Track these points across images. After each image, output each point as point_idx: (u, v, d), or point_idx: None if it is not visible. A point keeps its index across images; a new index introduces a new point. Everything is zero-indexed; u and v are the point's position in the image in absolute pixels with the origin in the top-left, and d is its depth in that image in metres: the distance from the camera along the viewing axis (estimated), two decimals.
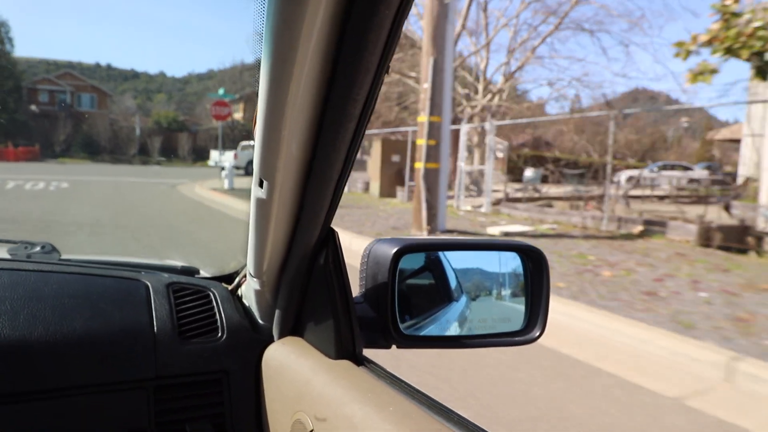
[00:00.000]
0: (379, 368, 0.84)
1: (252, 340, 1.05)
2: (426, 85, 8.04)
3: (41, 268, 1.08)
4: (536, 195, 14.39)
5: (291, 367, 0.92)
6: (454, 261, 0.97)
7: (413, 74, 18.88)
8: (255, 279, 0.97)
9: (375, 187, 16.50)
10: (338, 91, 0.64)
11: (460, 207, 13.14)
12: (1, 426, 0.88)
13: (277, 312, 0.99)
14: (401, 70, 18.97)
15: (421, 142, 8.16)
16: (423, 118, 8.13)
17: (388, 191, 16.03)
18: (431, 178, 8.13)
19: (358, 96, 0.65)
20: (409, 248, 0.88)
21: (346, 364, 0.85)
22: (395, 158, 16.33)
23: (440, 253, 0.98)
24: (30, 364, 0.91)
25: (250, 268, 0.97)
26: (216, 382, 1.02)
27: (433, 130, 8.06)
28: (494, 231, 8.79)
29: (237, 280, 1.17)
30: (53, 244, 1.30)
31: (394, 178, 16.17)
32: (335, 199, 0.80)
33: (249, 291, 1.07)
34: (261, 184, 0.76)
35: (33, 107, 42.54)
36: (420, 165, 8.17)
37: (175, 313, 1.06)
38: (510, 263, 0.99)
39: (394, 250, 0.86)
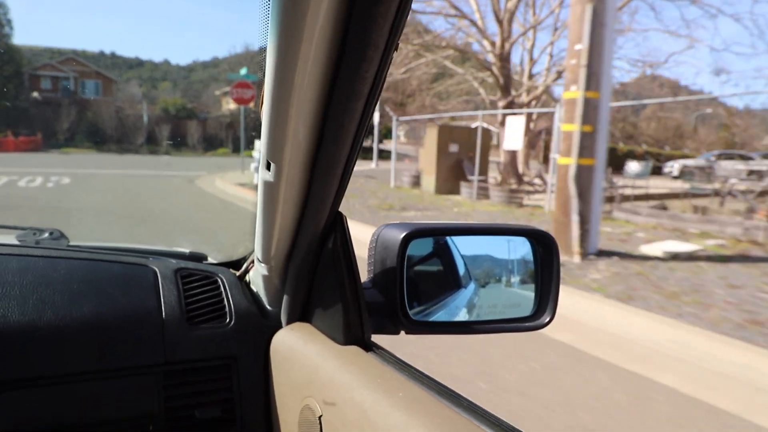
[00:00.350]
0: (387, 354, 0.84)
1: (260, 326, 1.04)
2: (580, 46, 5.57)
3: (50, 254, 1.09)
4: (642, 193, 11.94)
5: (300, 352, 0.92)
6: (463, 247, 0.96)
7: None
8: (263, 264, 0.98)
9: (429, 181, 14.05)
10: (346, 69, 0.63)
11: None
12: (10, 411, 0.88)
13: (285, 298, 0.99)
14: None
15: (570, 127, 5.72)
16: (573, 93, 5.68)
17: (446, 187, 13.58)
18: (584, 179, 5.70)
19: (366, 74, 0.63)
20: (417, 233, 0.88)
21: (354, 349, 0.85)
22: (453, 148, 13.87)
23: (448, 239, 0.96)
24: (39, 349, 0.91)
25: (257, 253, 0.98)
26: (225, 367, 1.02)
27: (589, 111, 5.61)
28: (653, 250, 6.34)
29: (245, 266, 1.17)
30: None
31: (452, 172, 13.72)
32: (344, 182, 0.79)
33: (257, 277, 1.08)
34: (268, 167, 0.76)
35: (35, 94, 40.14)
36: (569, 161, 5.74)
37: (184, 299, 1.06)
38: (519, 249, 0.97)
39: (403, 234, 0.86)
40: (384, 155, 27.17)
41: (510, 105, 14.81)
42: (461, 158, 13.74)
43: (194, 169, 23.44)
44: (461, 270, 0.98)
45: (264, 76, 0.67)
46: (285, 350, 0.97)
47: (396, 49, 0.63)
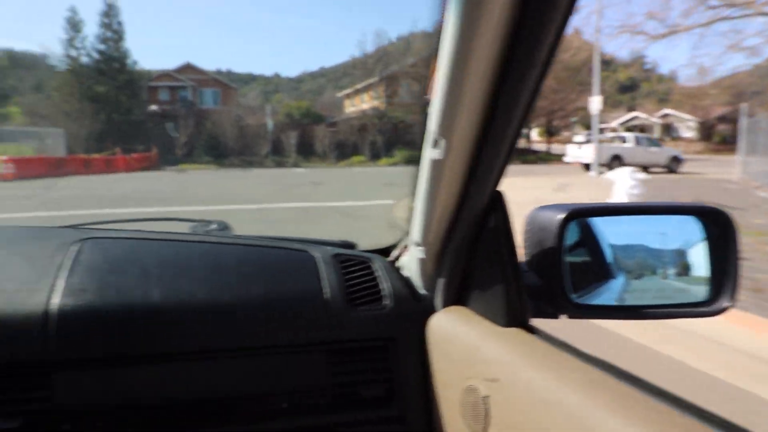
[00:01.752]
0: (554, 338, 0.82)
1: (416, 310, 1.07)
2: None
3: (222, 242, 1.18)
4: None
5: (458, 335, 0.93)
6: (615, 234, 0.93)
7: None
8: (420, 247, 1.00)
9: None
10: (525, 33, 0.63)
11: None
12: (191, 379, 0.97)
13: (440, 281, 1.02)
14: None
15: None
16: None
17: None
18: None
19: (545, 39, 0.63)
20: (577, 213, 0.86)
21: (517, 331, 0.85)
22: None
23: (598, 225, 0.95)
24: (220, 325, 0.99)
25: (414, 236, 1.01)
26: (383, 348, 1.06)
27: None
28: None
29: (397, 252, 1.21)
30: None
31: None
32: (507, 159, 0.79)
33: (410, 262, 1.12)
34: (436, 144, 0.78)
35: (154, 107, 36.01)
36: None
37: (343, 282, 1.10)
38: (681, 231, 0.92)
39: (563, 215, 0.85)
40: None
41: None
42: None
43: (342, 184, 16.54)
44: (611, 258, 0.95)
45: (437, 55, 0.69)
46: (443, 333, 0.99)
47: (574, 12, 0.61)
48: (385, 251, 1.28)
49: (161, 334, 0.97)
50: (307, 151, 33.01)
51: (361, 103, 41.22)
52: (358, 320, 1.06)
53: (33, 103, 32.78)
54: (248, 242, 1.19)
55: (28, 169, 18.09)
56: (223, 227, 1.43)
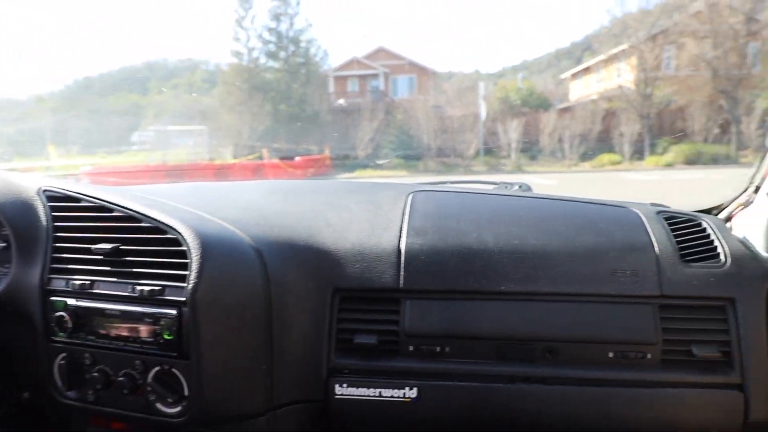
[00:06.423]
0: None
1: (757, 270, 1.03)
2: None
3: (542, 197, 1.25)
4: None
5: None
6: None
7: None
8: None
9: None
10: None
11: None
12: (519, 319, 1.03)
13: None
14: None
15: None
16: None
17: None
18: None
19: None
20: None
21: None
22: None
23: None
24: (549, 268, 1.04)
25: None
26: (720, 308, 1.03)
27: None
28: None
29: (728, 210, 1.21)
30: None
31: None
32: None
33: (748, 222, 1.10)
34: None
35: (341, 101, 29.45)
36: None
37: (673, 238, 1.09)
38: None
39: None
40: None
41: None
42: None
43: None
44: None
45: None
46: None
47: None
48: (708, 212, 1.25)
49: (494, 274, 1.05)
50: (533, 148, 23.08)
51: (597, 83, 29.83)
52: (693, 277, 1.03)
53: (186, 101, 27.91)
54: (567, 198, 1.25)
55: (108, 182, 11.50)
56: (526, 188, 1.49)
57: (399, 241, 1.08)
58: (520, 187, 1.48)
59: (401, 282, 1.05)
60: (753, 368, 0.99)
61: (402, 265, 1.06)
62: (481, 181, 1.61)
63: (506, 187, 1.48)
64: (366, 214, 1.17)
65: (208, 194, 1.32)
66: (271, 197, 1.30)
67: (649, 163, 20.83)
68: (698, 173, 17.16)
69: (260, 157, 18.52)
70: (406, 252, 1.07)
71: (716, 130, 20.98)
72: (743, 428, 0.99)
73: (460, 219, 1.13)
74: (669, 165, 20.19)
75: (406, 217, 1.14)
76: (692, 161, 20.04)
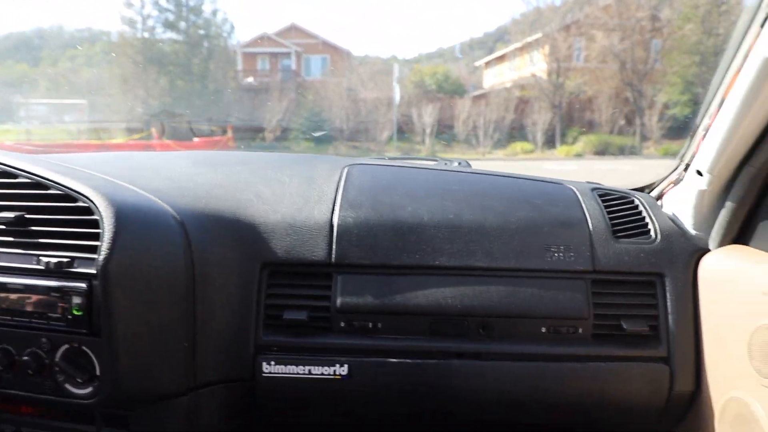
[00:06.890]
0: None
1: (687, 247, 1.05)
2: None
3: (479, 172, 1.26)
4: None
5: (744, 275, 0.90)
6: None
7: None
8: (705, 176, 0.96)
9: None
10: None
11: None
12: (453, 294, 1.02)
13: (721, 217, 0.98)
14: None
15: None
16: None
17: None
18: None
19: None
20: None
21: None
22: None
23: None
24: (484, 243, 1.04)
25: (702, 163, 0.96)
26: (649, 284, 1.05)
27: None
28: None
29: (659, 188, 1.19)
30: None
31: None
32: None
33: (676, 199, 1.09)
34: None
35: (250, 80, 27.56)
36: None
37: (606, 214, 1.10)
38: None
39: None
40: None
41: None
42: None
43: None
44: None
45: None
46: (720, 273, 0.96)
47: None
48: (641, 190, 1.25)
49: (429, 249, 1.04)
50: (447, 134, 22.61)
51: (511, 71, 29.97)
52: (624, 252, 1.05)
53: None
54: (504, 174, 1.24)
55: None
56: (465, 165, 1.44)
57: (332, 214, 1.08)
58: (459, 164, 1.44)
59: (333, 256, 1.05)
60: (679, 342, 1.02)
61: (334, 238, 1.05)
62: (420, 157, 1.34)
63: (445, 164, 1.43)
64: (299, 187, 1.15)
65: (129, 164, 1.27)
66: (199, 168, 1.24)
67: (560, 153, 21.04)
68: (609, 163, 17.37)
69: (149, 136, 16.56)
70: (338, 225, 1.07)
71: (622, 122, 21.51)
72: (668, 399, 1.03)
73: (395, 193, 1.13)
74: (579, 155, 20.48)
75: (341, 190, 1.13)
76: (600, 152, 20.41)
